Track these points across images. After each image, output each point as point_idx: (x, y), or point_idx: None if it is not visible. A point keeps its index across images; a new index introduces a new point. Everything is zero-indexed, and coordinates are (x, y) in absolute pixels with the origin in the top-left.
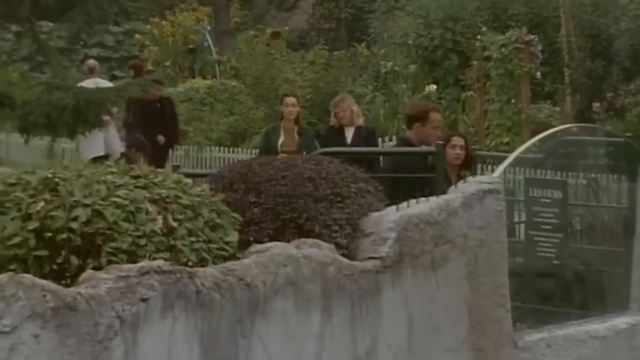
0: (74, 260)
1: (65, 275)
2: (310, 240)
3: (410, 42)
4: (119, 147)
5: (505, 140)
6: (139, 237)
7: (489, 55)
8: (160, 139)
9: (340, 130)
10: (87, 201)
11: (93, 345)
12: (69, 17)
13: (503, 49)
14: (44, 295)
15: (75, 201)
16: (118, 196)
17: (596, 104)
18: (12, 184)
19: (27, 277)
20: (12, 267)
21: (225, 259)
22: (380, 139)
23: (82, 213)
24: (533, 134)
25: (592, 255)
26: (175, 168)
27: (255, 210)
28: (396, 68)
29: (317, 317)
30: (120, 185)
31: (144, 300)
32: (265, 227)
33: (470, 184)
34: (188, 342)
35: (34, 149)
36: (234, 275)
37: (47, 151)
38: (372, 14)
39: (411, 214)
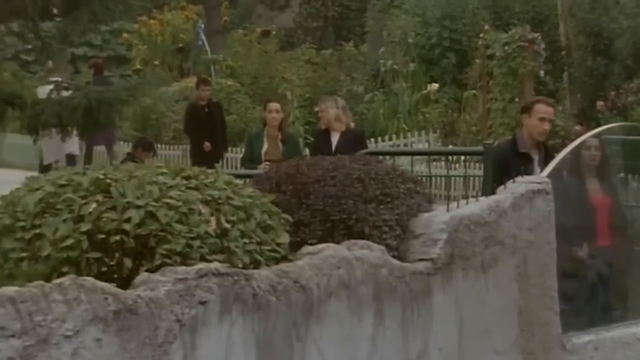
0: (127, 262)
1: (115, 278)
2: (361, 242)
3: (410, 40)
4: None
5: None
6: (193, 238)
7: (491, 54)
8: (207, 145)
9: (326, 134)
10: (139, 202)
11: (153, 349)
12: (75, 16)
13: (506, 47)
14: (106, 299)
15: (127, 202)
16: (171, 197)
17: (600, 103)
18: (63, 185)
19: (89, 280)
20: (64, 269)
21: (277, 260)
22: (379, 139)
23: (135, 215)
24: None
25: (636, 256)
26: None
27: (304, 211)
28: (395, 67)
29: (370, 320)
30: (172, 187)
31: (202, 303)
32: (314, 228)
33: (520, 184)
34: (245, 346)
35: (28, 150)
36: (289, 277)
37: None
38: (363, 13)
39: (462, 214)
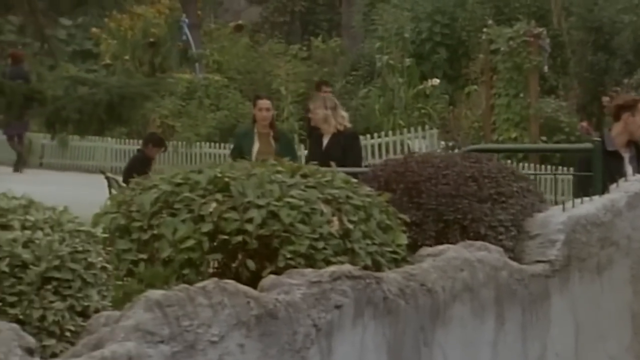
0: (250, 264)
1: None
2: (478, 243)
3: (406, 35)
4: None
5: (513, 135)
6: (316, 239)
7: (494, 49)
8: None
9: (319, 135)
10: (261, 202)
11: (292, 355)
12: (83, 10)
13: (511, 42)
14: (248, 302)
15: (248, 202)
16: (292, 196)
17: (605, 99)
18: (179, 184)
19: (231, 283)
20: (184, 271)
21: (397, 262)
22: (375, 135)
23: (257, 214)
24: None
25: None
26: None
27: (416, 210)
28: (391, 62)
29: (491, 324)
30: (292, 185)
31: (337, 307)
32: (427, 228)
33: (633, 183)
34: (376, 351)
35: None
36: (416, 280)
37: (28, 148)
38: (330, 7)
39: (579, 214)
